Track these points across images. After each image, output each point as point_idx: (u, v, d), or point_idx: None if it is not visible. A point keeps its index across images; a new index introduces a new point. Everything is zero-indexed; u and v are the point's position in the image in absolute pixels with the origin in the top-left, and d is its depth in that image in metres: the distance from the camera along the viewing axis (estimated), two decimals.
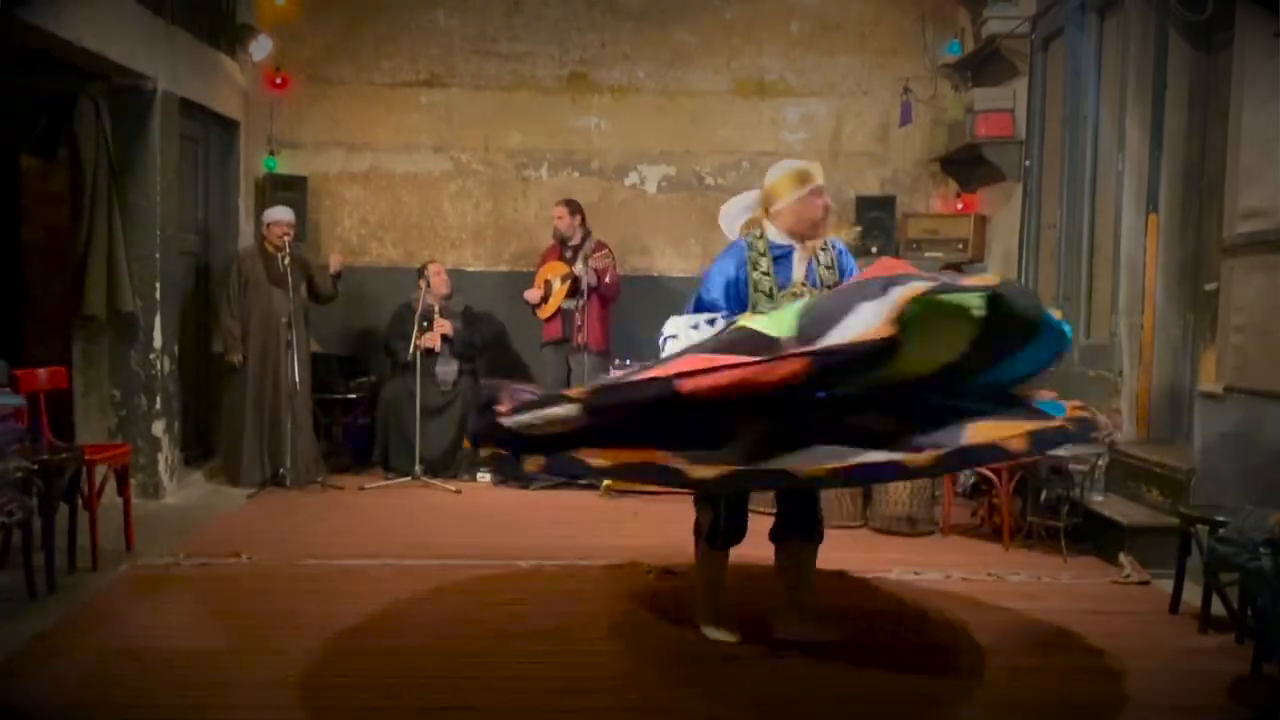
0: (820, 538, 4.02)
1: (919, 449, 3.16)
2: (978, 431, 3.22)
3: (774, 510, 4.07)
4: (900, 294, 3.15)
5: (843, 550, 5.08)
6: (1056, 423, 3.34)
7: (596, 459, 3.28)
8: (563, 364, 7.00)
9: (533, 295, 7.10)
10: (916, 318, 3.12)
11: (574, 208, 7.10)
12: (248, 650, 3.75)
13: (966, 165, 7.68)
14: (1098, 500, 5.39)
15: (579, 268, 6.81)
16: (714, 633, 3.94)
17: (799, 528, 3.98)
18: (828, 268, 3.96)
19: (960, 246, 7.50)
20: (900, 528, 5.72)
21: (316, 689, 3.43)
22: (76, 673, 3.53)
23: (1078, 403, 3.63)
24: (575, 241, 7.03)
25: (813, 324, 3.29)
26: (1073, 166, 6.23)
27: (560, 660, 3.72)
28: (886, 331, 3.09)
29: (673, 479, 3.39)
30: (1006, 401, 3.56)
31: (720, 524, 3.92)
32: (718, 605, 3.99)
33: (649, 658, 3.77)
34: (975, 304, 3.18)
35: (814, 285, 3.90)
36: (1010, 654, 3.89)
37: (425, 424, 6.65)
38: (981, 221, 7.55)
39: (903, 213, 7.69)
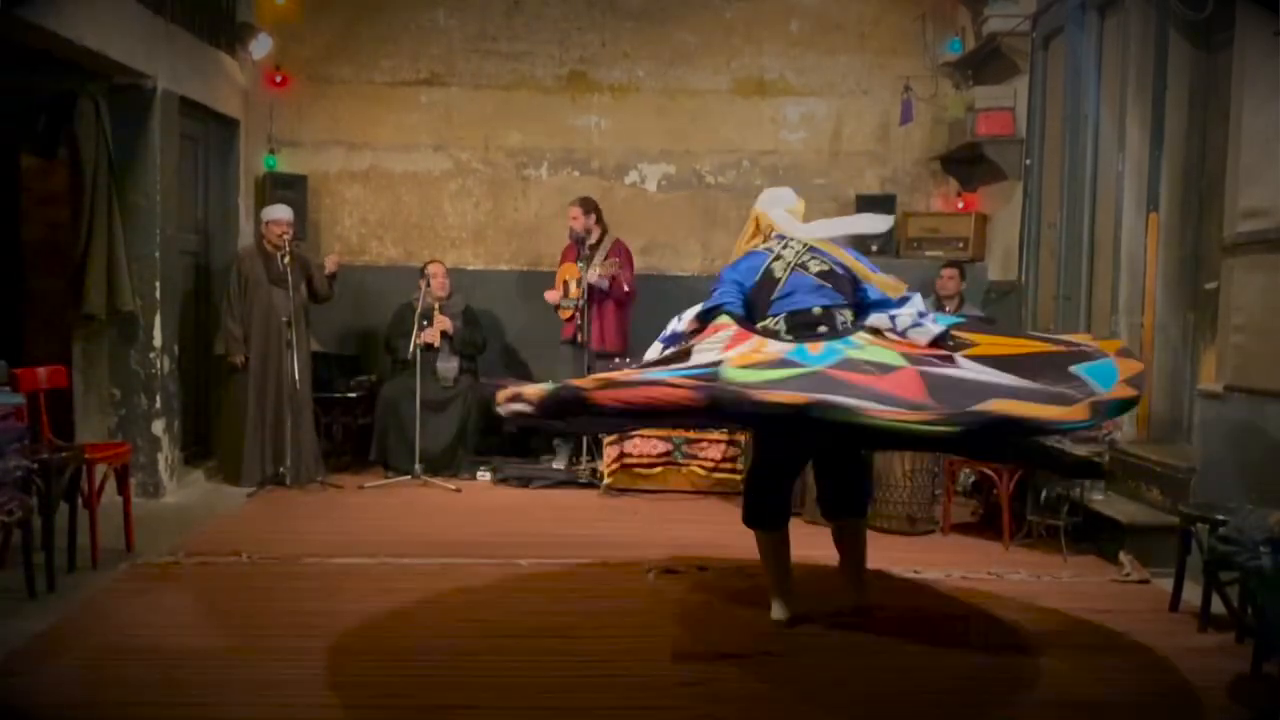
0: (865, 510, 4.36)
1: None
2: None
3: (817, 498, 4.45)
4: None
5: None
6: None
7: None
8: (576, 362, 6.94)
9: (552, 296, 7.09)
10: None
11: (588, 206, 7.02)
12: (248, 649, 3.75)
13: (967, 164, 7.68)
14: (1098, 499, 5.38)
15: (585, 269, 6.79)
16: (777, 611, 4.14)
17: (850, 502, 4.27)
18: None
19: (961, 245, 7.51)
20: (900, 526, 5.71)
21: (317, 688, 3.43)
22: (76, 672, 3.54)
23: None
24: (593, 240, 6.96)
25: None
26: (1073, 165, 6.22)
27: (560, 660, 3.73)
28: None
29: (741, 405, 3.24)
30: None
31: (768, 505, 4.16)
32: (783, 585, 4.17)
33: (649, 657, 3.77)
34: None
35: None
36: (1010, 652, 3.89)
37: (425, 422, 6.65)
38: (982, 220, 7.56)
39: (903, 211, 7.69)
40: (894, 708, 3.44)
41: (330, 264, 6.78)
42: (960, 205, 7.78)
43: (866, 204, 7.64)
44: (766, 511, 4.16)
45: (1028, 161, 6.87)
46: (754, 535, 4.22)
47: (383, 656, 3.70)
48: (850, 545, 4.31)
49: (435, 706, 3.32)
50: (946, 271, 6.80)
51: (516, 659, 3.71)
